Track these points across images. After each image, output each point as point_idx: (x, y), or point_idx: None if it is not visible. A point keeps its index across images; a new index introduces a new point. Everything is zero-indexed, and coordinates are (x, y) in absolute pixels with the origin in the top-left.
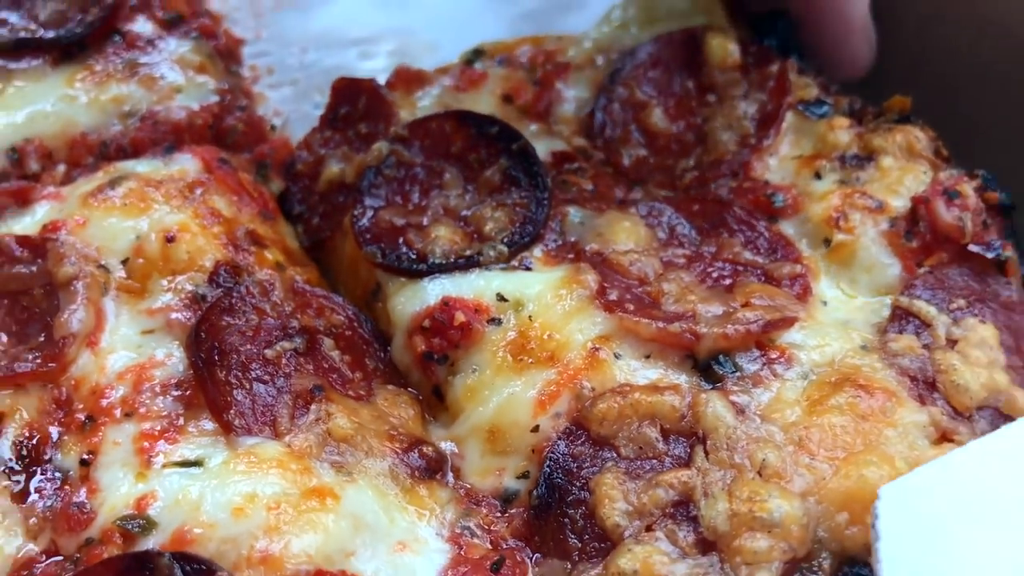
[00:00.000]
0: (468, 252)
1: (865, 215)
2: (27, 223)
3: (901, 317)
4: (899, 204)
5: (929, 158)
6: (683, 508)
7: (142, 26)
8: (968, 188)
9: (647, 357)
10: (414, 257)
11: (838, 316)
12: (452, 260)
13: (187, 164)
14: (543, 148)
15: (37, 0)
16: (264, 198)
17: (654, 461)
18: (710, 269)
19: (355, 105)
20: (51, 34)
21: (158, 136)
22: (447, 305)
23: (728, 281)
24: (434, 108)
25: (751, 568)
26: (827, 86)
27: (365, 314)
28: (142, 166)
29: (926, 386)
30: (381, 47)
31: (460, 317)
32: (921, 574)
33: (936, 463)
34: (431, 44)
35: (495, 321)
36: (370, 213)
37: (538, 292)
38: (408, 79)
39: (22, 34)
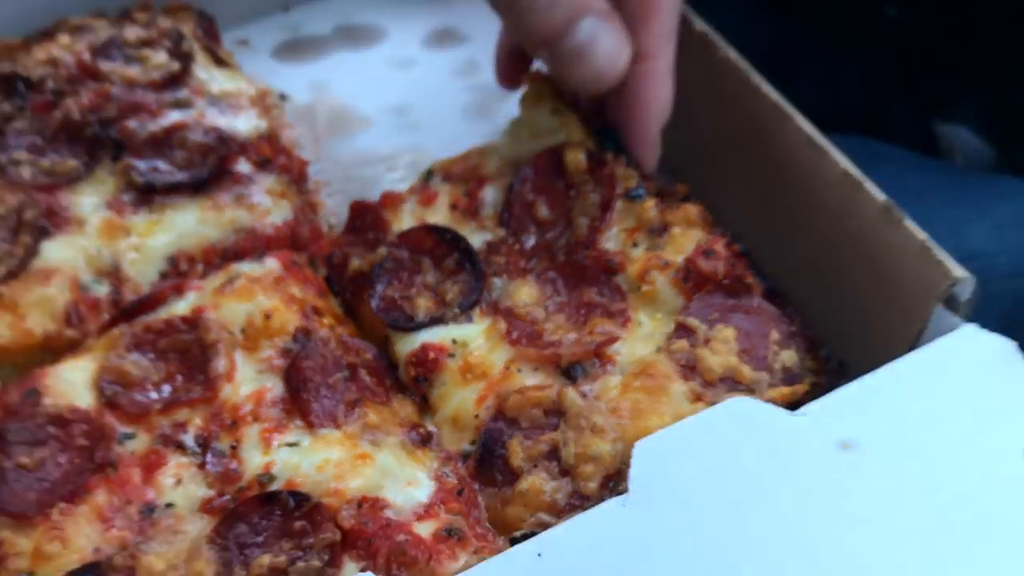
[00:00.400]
0: (437, 314)
1: (658, 271)
2: (182, 307)
3: (680, 329)
4: (680, 260)
5: (702, 225)
6: (553, 454)
7: (243, 166)
8: (719, 246)
9: (535, 370)
10: (406, 319)
11: (646, 332)
12: (428, 319)
13: (273, 265)
14: (479, 240)
15: (175, 150)
16: (318, 283)
17: (539, 430)
18: (574, 311)
19: (364, 219)
20: (187, 176)
21: (256, 245)
22: (424, 348)
23: (584, 318)
24: (412, 219)
25: (585, 481)
26: (645, 175)
27: (383, 353)
28: (246, 267)
29: (689, 370)
30: (400, 161)
31: (432, 355)
32: (658, 500)
33: (681, 424)
34: (434, 157)
35: (452, 356)
36: (379, 293)
37: (475, 336)
38: (392, 200)
39: (167, 177)
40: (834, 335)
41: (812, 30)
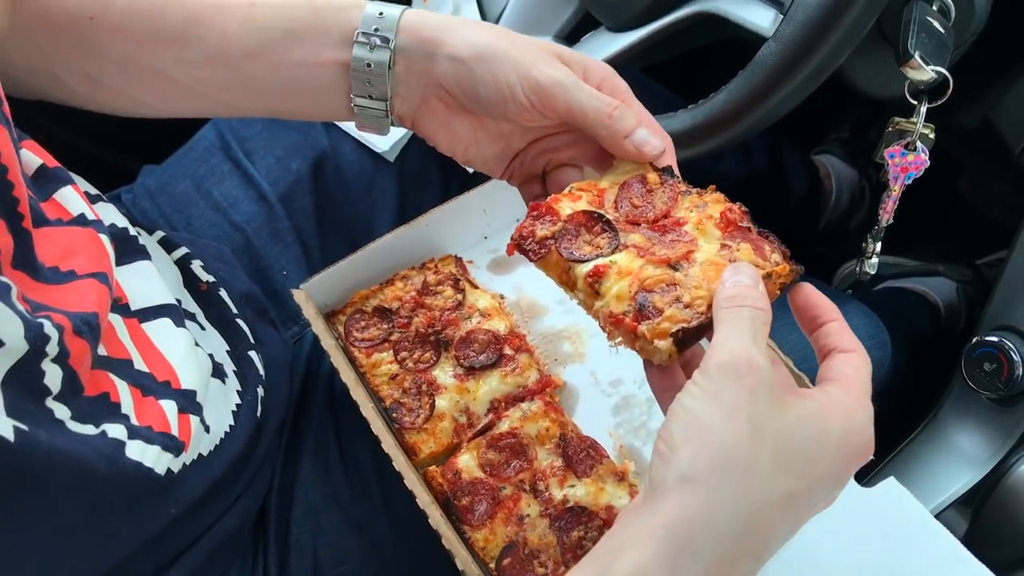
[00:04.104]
0: (595, 254)
1: (707, 220)
2: (505, 425)
3: (723, 247)
4: (717, 214)
5: (723, 199)
6: (678, 300)
7: (508, 350)
8: (735, 207)
9: (655, 268)
10: (580, 256)
11: (706, 249)
12: (593, 256)
13: (539, 403)
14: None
15: (474, 344)
16: (558, 408)
17: (668, 291)
18: (668, 243)
19: (541, 211)
20: (485, 359)
21: (527, 393)
22: (595, 268)
23: (673, 245)
24: (568, 208)
25: (696, 309)
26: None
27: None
28: (526, 405)
29: (730, 261)
30: (567, 332)
31: (599, 269)
32: None
33: None
34: (582, 326)
35: (610, 267)
36: (563, 246)
37: (620, 259)
38: (555, 199)
39: (475, 361)
40: None
41: None
